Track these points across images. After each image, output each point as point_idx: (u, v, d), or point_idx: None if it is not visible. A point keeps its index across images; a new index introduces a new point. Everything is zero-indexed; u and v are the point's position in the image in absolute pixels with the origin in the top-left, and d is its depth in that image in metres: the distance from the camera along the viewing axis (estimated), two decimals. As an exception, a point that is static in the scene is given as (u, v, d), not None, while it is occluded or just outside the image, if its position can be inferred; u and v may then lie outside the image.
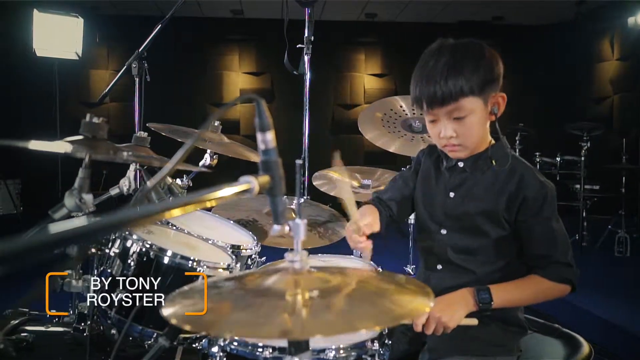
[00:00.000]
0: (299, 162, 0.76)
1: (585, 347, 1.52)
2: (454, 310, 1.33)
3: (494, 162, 1.43)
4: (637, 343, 3.12)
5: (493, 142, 1.48)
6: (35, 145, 0.97)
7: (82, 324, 1.48)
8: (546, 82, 8.34)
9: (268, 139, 0.73)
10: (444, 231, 1.49)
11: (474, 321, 1.35)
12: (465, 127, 1.36)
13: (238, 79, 8.61)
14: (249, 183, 0.66)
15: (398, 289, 0.81)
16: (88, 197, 1.06)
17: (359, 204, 1.50)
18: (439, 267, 1.50)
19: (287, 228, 0.78)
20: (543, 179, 1.42)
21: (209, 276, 1.32)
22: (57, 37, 5.06)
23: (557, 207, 1.43)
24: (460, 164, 1.48)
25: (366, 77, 8.69)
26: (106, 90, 2.45)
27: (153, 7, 7.72)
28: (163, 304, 0.76)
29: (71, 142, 1.02)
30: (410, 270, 2.76)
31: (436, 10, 7.90)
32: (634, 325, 3.27)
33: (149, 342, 1.37)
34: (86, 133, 1.09)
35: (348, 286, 0.79)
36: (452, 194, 1.48)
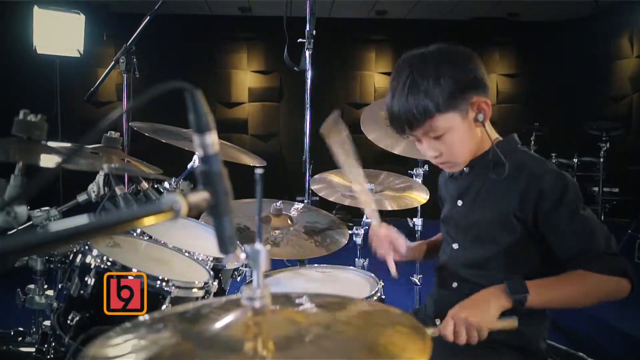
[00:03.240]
0: (258, 171, 0.59)
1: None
2: (484, 308, 1.13)
3: (495, 161, 1.25)
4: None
5: (500, 139, 1.32)
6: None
7: (45, 346, 1.32)
8: (562, 80, 8.10)
9: (208, 142, 0.56)
10: (455, 246, 1.35)
11: (513, 322, 1.12)
12: (447, 145, 1.24)
13: (246, 77, 8.48)
14: (173, 205, 0.49)
15: (386, 331, 0.64)
16: (21, 210, 0.90)
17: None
18: (454, 284, 1.34)
19: (242, 255, 0.61)
20: (556, 169, 1.25)
21: (179, 298, 1.16)
22: (58, 34, 4.95)
23: None
24: (466, 169, 1.33)
25: (376, 76, 8.52)
26: (93, 88, 2.31)
27: (161, 6, 7.62)
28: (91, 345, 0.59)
29: None
30: (417, 280, 2.59)
31: (449, 7, 7.69)
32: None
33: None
34: (19, 133, 0.93)
35: (321, 332, 0.61)
36: (459, 202, 1.34)
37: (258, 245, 0.61)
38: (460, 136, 1.22)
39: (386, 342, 0.61)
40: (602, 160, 4.97)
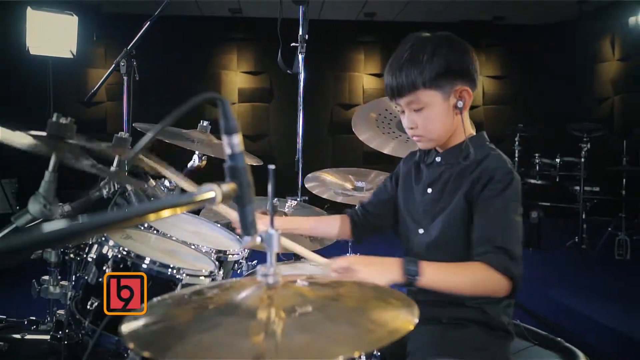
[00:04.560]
0: (271, 167, 0.70)
1: (583, 360, 1.46)
2: (376, 274, 1.17)
3: (471, 153, 1.37)
4: (637, 350, 3.06)
5: (473, 134, 1.44)
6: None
7: (60, 333, 1.42)
8: (546, 82, 8.28)
9: (235, 142, 0.66)
10: (421, 230, 1.44)
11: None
12: (424, 119, 1.36)
13: (236, 78, 8.56)
14: (211, 192, 0.60)
15: (380, 303, 0.75)
16: (55, 202, 1.00)
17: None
18: None
19: (258, 239, 0.71)
20: (511, 168, 1.36)
21: (188, 284, 1.26)
22: (51, 35, 5.00)
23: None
24: (438, 159, 1.45)
25: (365, 77, 8.64)
26: (94, 90, 2.39)
27: (153, 6, 7.66)
28: (123, 323, 0.70)
29: (36, 137, 0.96)
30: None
31: (436, 10, 7.84)
32: (634, 332, 3.20)
33: (126, 354, 1.30)
34: (52, 132, 1.03)
35: (326, 302, 0.73)
36: (429, 190, 1.44)
37: (271, 231, 0.72)
38: (436, 114, 1.34)
39: (381, 311, 0.72)
40: (583, 160, 5.11)
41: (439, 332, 1.28)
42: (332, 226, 1.60)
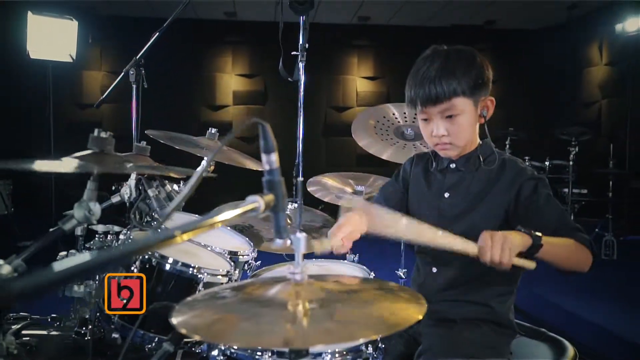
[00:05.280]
0: (300, 179, 0.81)
1: (570, 351, 1.58)
2: (512, 238, 1.20)
3: (481, 159, 1.49)
4: (623, 345, 3.20)
5: (480, 142, 1.54)
6: (41, 165, 1.01)
7: (84, 329, 1.52)
8: (536, 86, 8.46)
9: (272, 160, 0.78)
10: (440, 232, 1.53)
11: (531, 263, 1.22)
12: (456, 125, 1.44)
13: (231, 81, 8.65)
14: (256, 202, 0.71)
15: (392, 297, 0.86)
16: (96, 208, 1.10)
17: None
18: (434, 269, 1.55)
19: (288, 242, 0.83)
20: (528, 167, 1.49)
21: (209, 283, 1.37)
22: (52, 39, 5.06)
23: None
24: (453, 165, 1.54)
25: (359, 80, 8.76)
26: (104, 96, 2.48)
27: (147, 8, 7.73)
28: (170, 313, 0.80)
29: (79, 157, 1.06)
30: (401, 274, 2.81)
31: (429, 14, 7.98)
32: (620, 328, 3.35)
33: (150, 346, 1.41)
34: (94, 148, 1.13)
35: (346, 296, 0.84)
36: (446, 194, 1.53)
37: (299, 234, 0.83)
38: (468, 121, 1.44)
39: (393, 304, 0.84)
40: (571, 163, 5.27)
41: (451, 332, 1.38)
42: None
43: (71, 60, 5.18)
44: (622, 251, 5.45)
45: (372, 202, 1.73)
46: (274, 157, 0.78)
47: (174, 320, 0.77)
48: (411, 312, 0.82)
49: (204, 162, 2.17)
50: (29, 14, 4.91)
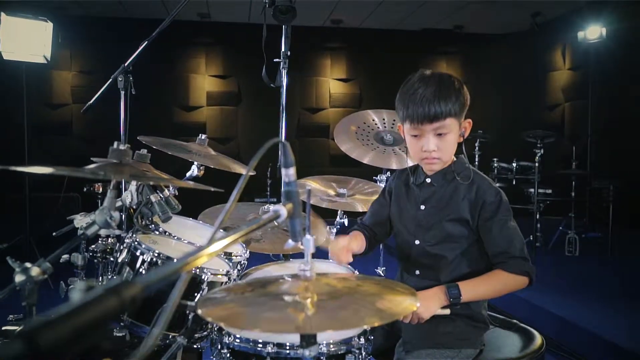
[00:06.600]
0: (308, 187, 0.92)
1: (538, 339, 1.75)
2: (428, 304, 1.52)
3: (456, 175, 1.64)
4: (584, 335, 3.42)
5: (454, 158, 1.69)
6: (61, 170, 1.08)
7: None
8: (503, 89, 8.76)
9: (291, 173, 0.89)
10: (417, 241, 1.68)
11: (446, 311, 1.54)
12: (445, 142, 1.59)
13: (204, 82, 8.67)
14: (279, 211, 0.82)
15: (391, 291, 0.99)
16: (116, 215, 1.19)
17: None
18: (417, 272, 1.70)
19: (299, 243, 0.94)
20: (496, 187, 1.65)
21: (212, 282, 1.47)
22: (25, 40, 5.01)
23: (514, 210, 1.65)
24: (428, 180, 1.69)
25: (332, 82, 8.89)
26: (91, 102, 2.53)
27: (119, 8, 7.69)
28: (195, 307, 0.91)
29: (99, 166, 1.15)
30: (380, 272, 2.95)
31: (400, 18, 8.18)
32: (580, 319, 3.57)
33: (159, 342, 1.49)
34: (114, 159, 1.22)
35: (350, 289, 0.96)
36: (422, 207, 1.69)
37: (308, 236, 0.95)
38: (454, 139, 1.61)
39: (391, 296, 0.96)
40: (537, 164, 5.51)
41: (430, 325, 1.54)
42: (362, 243, 1.76)
43: (45, 62, 5.14)
44: (584, 248, 5.74)
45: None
46: (292, 170, 0.89)
47: (200, 311, 0.88)
48: (407, 303, 0.94)
49: (194, 167, 2.26)
50: (3, 15, 4.86)
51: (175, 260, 1.51)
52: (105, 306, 0.49)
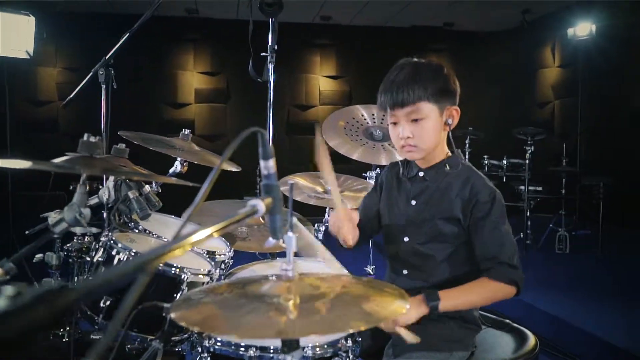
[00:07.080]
0: (291, 182, 0.86)
1: (532, 340, 1.70)
2: (407, 315, 1.40)
3: (448, 168, 1.58)
4: (575, 333, 3.39)
5: (450, 154, 1.63)
6: (34, 164, 1.01)
7: (62, 330, 1.52)
8: (493, 86, 8.73)
9: (270, 165, 0.82)
10: (406, 238, 1.61)
11: (416, 338, 1.40)
12: (421, 129, 1.52)
13: (193, 78, 8.56)
14: (256, 205, 0.75)
15: (378, 293, 0.92)
16: (86, 212, 1.12)
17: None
18: (405, 272, 1.63)
19: (280, 241, 0.87)
20: (491, 185, 1.58)
21: (193, 283, 1.40)
22: (7, 35, 4.90)
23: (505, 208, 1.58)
24: (421, 174, 1.62)
25: (321, 79, 8.82)
26: (71, 96, 2.45)
27: (106, 5, 7.57)
28: (167, 309, 0.84)
29: (68, 160, 1.07)
30: (370, 270, 2.89)
31: (390, 15, 8.12)
32: (572, 317, 3.54)
33: (131, 345, 1.43)
34: (84, 152, 1.14)
35: (335, 291, 0.90)
36: (413, 202, 1.62)
37: (290, 234, 0.88)
38: (432, 126, 1.52)
39: (379, 299, 0.89)
40: (527, 162, 5.48)
41: (421, 327, 1.45)
42: (357, 230, 1.68)
43: (28, 57, 5.03)
44: (574, 245, 5.72)
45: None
46: (272, 163, 0.82)
47: (173, 314, 0.81)
48: (396, 306, 0.88)
49: (177, 163, 2.19)
50: (-17, 9, 4.74)
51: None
52: (31, 317, 0.41)
